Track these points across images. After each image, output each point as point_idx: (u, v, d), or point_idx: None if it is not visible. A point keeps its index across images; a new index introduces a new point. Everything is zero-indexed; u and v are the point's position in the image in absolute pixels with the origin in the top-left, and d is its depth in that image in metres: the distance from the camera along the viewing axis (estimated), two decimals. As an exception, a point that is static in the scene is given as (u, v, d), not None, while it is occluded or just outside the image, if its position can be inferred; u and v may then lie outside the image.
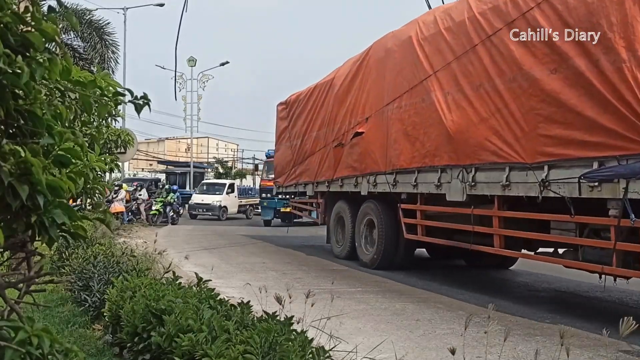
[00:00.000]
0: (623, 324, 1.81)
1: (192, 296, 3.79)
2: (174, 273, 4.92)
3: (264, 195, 24.31)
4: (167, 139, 71.73)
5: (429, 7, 10.60)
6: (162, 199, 22.48)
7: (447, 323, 6.13)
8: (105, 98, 1.97)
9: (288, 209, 22.73)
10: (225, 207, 28.45)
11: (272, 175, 23.00)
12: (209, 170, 53.94)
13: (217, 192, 28.71)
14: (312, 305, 3.63)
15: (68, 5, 18.13)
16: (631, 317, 1.92)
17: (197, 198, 28.57)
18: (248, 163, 68.71)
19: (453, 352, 2.47)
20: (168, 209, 22.32)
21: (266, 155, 25.65)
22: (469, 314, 2.91)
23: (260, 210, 26.07)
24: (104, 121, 3.82)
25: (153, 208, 22.21)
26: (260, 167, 28.57)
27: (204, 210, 28.08)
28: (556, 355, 2.03)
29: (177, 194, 24.06)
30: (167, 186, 26.63)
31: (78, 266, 6.33)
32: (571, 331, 1.99)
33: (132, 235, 15.07)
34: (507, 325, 5.95)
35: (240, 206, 30.15)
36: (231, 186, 30.24)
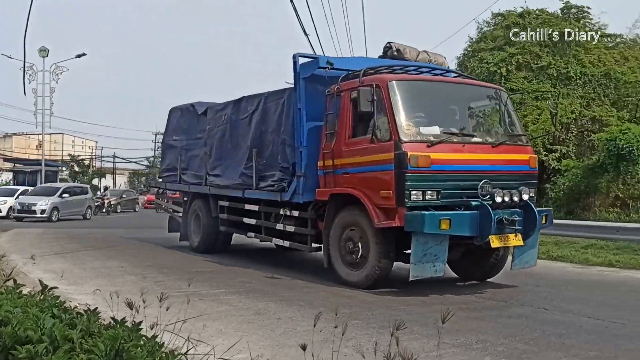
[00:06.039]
0: (442, 314, 2.01)
1: (33, 305, 3.52)
2: (14, 281, 4.53)
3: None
4: (14, 134, 65.42)
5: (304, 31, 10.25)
6: None
7: (307, 320, 6.27)
8: None
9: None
10: None
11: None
12: (63, 168, 50.29)
13: None
14: (167, 309, 3.55)
15: None
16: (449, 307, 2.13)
17: None
18: (108, 161, 65.10)
19: (304, 348, 2.55)
20: None
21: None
22: (319, 312, 3.02)
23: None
24: None
25: None
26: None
27: None
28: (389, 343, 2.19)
29: None
30: None
31: None
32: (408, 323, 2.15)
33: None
34: (365, 320, 6.28)
35: None
36: None
